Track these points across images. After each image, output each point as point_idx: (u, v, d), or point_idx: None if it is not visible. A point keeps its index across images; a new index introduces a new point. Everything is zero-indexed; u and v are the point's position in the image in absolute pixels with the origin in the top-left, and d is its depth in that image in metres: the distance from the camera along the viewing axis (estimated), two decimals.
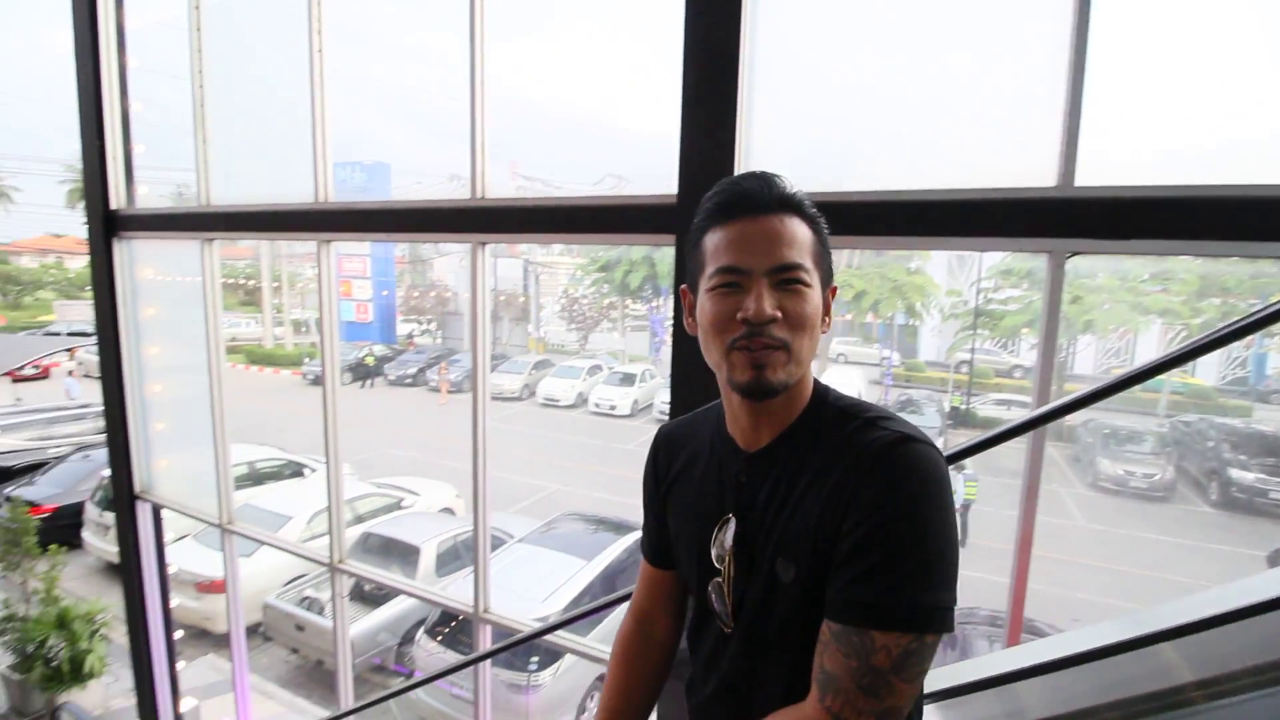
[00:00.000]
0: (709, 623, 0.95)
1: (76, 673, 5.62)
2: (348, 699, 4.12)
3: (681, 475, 0.98)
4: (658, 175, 2.56)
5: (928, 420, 13.36)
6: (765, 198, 0.81)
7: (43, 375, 19.75)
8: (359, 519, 8.65)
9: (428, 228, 3.20)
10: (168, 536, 5.44)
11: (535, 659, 5.28)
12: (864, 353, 19.75)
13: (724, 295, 0.81)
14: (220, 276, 4.27)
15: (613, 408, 16.44)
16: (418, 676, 5.85)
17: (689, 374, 2.20)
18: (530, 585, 5.90)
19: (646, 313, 22.80)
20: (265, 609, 6.93)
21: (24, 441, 11.40)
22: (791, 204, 0.81)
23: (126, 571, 5.08)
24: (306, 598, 6.87)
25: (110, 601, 6.22)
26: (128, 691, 5.90)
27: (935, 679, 1.56)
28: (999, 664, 1.54)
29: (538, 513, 9.86)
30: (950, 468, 0.81)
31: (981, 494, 9.59)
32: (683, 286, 0.92)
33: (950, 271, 18.73)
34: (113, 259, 4.73)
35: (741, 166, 2.31)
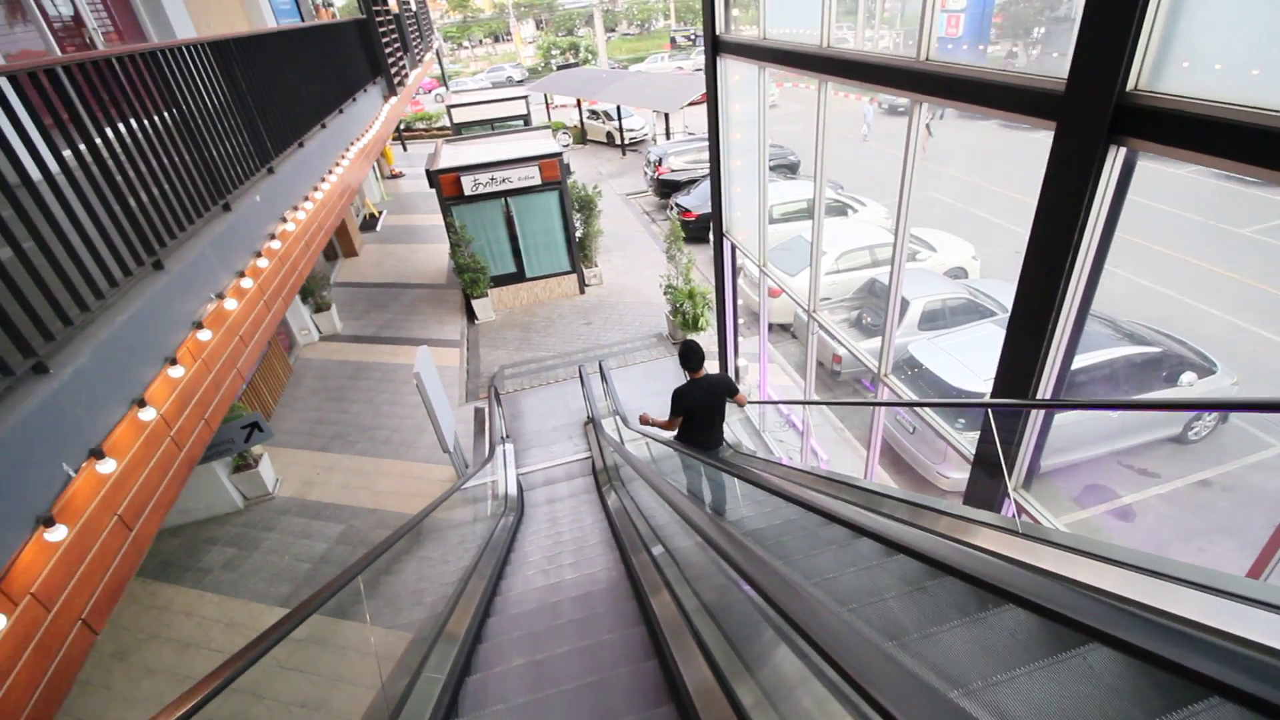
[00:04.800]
0: (695, 418, 4.48)
1: (694, 324, 9.76)
2: (810, 392, 6.38)
3: (689, 393, 4.40)
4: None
5: None
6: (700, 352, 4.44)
7: (700, 101, 26.57)
8: (875, 264, 10.33)
9: (872, 79, 3.94)
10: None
11: (962, 420, 6.38)
12: None
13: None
14: (769, 94, 5.88)
15: None
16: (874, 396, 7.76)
17: None
18: (982, 362, 6.67)
19: None
20: (795, 316, 9.78)
21: (685, 162, 16.87)
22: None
23: (717, 276, 8.29)
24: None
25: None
26: (712, 341, 9.87)
27: None
28: None
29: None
30: None
31: None
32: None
33: None
34: (716, 68, 6.86)
35: (1138, 70, 2.41)
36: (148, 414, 2.44)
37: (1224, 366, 7.05)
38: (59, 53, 5.63)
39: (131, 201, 2.76)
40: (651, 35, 50.26)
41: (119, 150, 2.74)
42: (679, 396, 4.37)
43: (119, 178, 2.70)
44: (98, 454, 2.18)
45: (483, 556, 5.43)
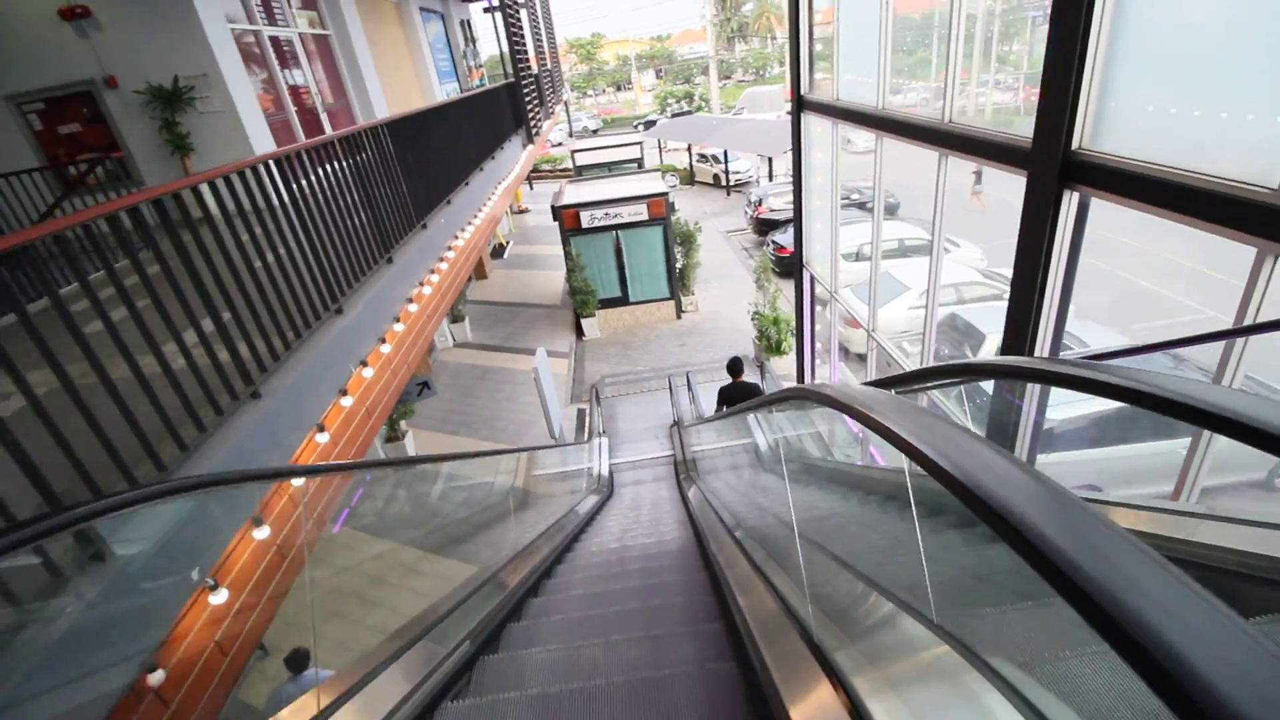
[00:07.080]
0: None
1: (777, 349, 10.66)
2: None
3: (727, 389, 6.30)
4: None
5: None
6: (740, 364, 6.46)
7: None
8: (961, 301, 10.77)
9: (912, 135, 4.88)
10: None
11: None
12: None
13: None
14: (841, 145, 6.88)
15: None
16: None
17: None
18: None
19: None
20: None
21: (784, 203, 17.88)
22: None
23: (798, 303, 9.21)
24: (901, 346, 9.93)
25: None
26: (792, 365, 10.68)
27: None
28: None
29: (1150, 332, 9.48)
30: None
31: None
32: None
33: None
34: (801, 122, 7.93)
35: (1080, 133, 3.28)
36: (385, 349, 3.88)
37: None
38: (291, 106, 7.79)
39: (379, 218, 4.31)
40: (766, 80, 51.97)
41: (372, 187, 4.31)
42: (721, 391, 6.39)
43: (377, 206, 4.26)
44: (363, 363, 3.61)
45: (583, 502, 6.63)
